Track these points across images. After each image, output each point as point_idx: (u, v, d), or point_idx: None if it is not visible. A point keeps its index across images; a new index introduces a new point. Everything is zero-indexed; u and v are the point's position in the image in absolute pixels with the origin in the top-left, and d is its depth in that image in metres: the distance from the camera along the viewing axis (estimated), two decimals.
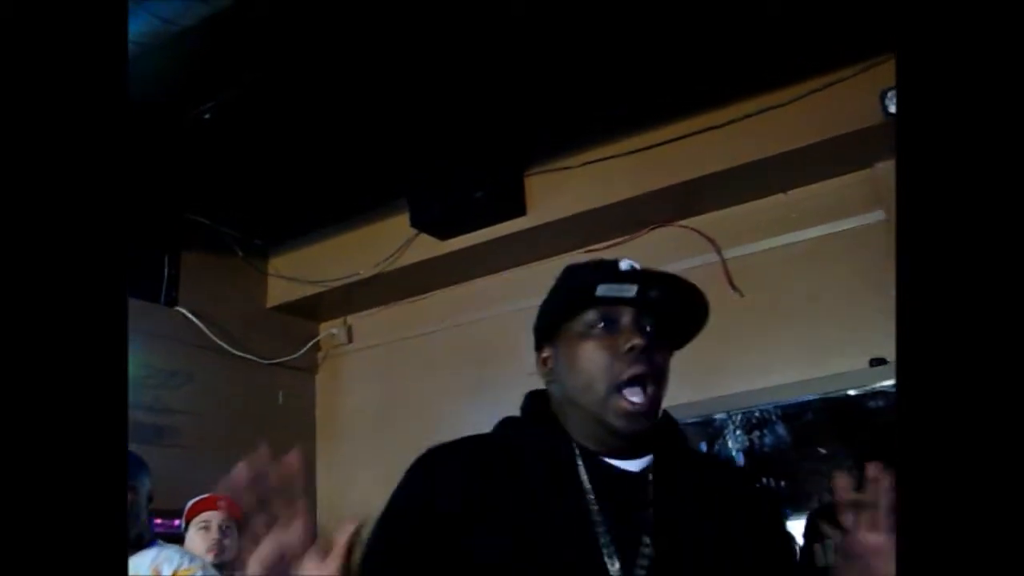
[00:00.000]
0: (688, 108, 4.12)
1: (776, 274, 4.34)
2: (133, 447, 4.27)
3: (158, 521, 4.04)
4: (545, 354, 1.48)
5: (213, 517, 3.21)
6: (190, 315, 4.81)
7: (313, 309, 5.49)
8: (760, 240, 4.41)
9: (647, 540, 1.32)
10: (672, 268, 4.43)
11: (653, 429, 1.40)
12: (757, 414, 4.58)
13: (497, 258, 4.86)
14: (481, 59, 3.61)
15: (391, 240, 4.86)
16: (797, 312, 4.23)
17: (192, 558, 2.70)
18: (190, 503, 3.31)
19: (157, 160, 4.10)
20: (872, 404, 4.08)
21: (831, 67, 3.83)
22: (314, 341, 5.60)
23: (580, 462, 1.39)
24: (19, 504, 0.98)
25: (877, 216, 4.13)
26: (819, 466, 4.31)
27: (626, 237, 4.69)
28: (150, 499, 2.82)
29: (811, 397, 4.23)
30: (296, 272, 5.26)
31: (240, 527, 3.25)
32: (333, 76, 3.64)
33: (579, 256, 4.83)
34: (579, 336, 1.39)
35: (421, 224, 4.66)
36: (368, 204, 4.92)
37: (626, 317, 1.38)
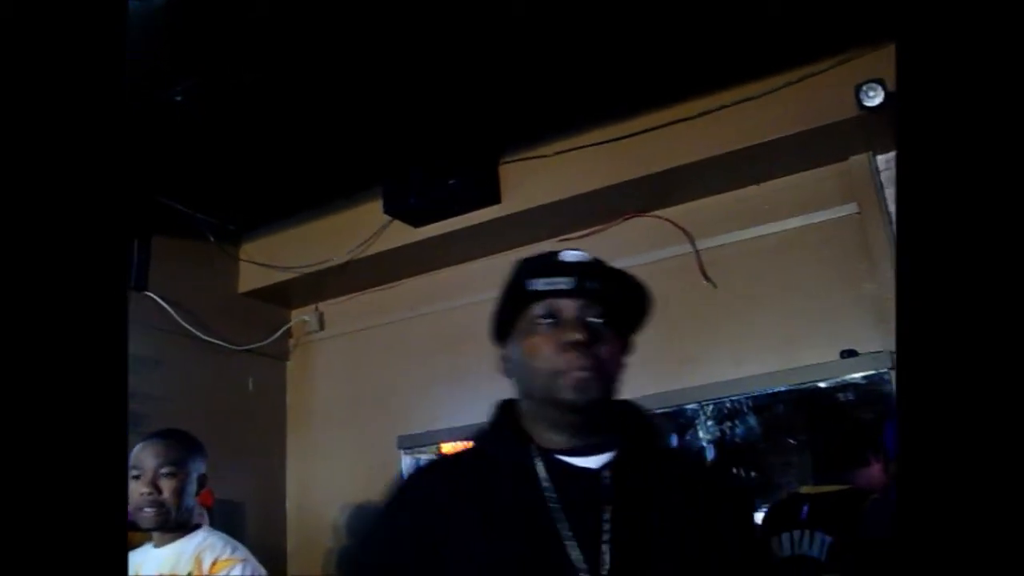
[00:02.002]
0: (663, 98, 4.12)
1: (749, 266, 4.35)
2: None
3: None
4: (504, 352, 1.49)
5: None
6: (160, 300, 4.76)
7: (285, 295, 5.45)
8: (733, 231, 4.42)
9: (607, 537, 1.33)
10: (646, 259, 4.50)
11: (615, 424, 1.43)
12: (728, 405, 4.60)
13: (471, 246, 4.84)
14: (457, 47, 3.59)
15: (364, 227, 4.83)
16: (769, 304, 4.25)
17: (236, 547, 2.64)
18: None
19: (128, 142, 4.04)
20: (842, 396, 4.10)
21: (807, 60, 3.83)
22: (285, 328, 5.56)
23: (539, 463, 1.41)
24: (17, 494, 0.98)
25: (850, 209, 4.15)
26: (789, 458, 4.33)
27: (600, 227, 4.69)
28: (201, 484, 2.79)
29: (782, 388, 4.24)
30: (268, 258, 5.22)
31: (211, 514, 3.22)
32: (308, 61, 3.60)
33: (553, 245, 4.83)
34: (526, 332, 1.42)
35: (395, 211, 4.64)
36: (342, 191, 4.89)
37: (570, 310, 1.39)
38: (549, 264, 1.44)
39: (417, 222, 4.70)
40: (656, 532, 1.35)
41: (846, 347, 3.94)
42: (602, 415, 1.41)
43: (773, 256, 4.30)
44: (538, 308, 1.41)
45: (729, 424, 4.73)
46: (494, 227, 4.63)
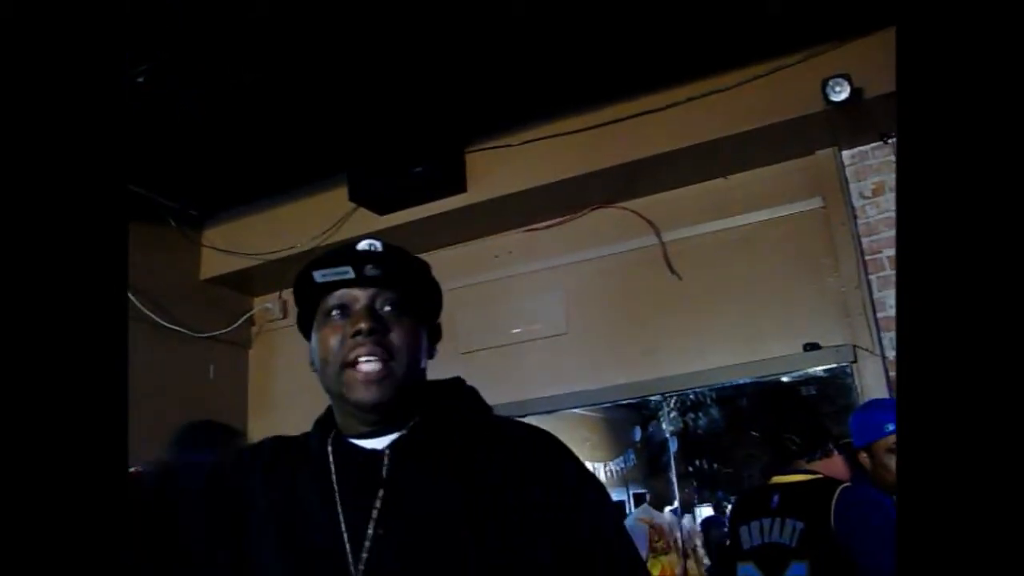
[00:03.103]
0: (631, 89, 4.11)
1: (714, 258, 4.36)
2: None
3: None
4: (311, 344, 1.45)
5: None
6: None
7: (247, 283, 5.40)
8: (699, 224, 4.43)
9: (373, 520, 1.31)
10: (612, 250, 4.50)
11: (413, 401, 1.38)
12: (692, 396, 4.61)
13: (436, 235, 4.82)
14: (424, 35, 3.56)
15: (329, 214, 4.79)
16: (734, 296, 4.26)
17: None
18: None
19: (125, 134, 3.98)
20: (805, 389, 4.12)
21: (775, 54, 3.84)
22: (248, 315, 5.51)
23: (330, 448, 1.40)
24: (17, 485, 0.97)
25: (815, 203, 4.17)
26: (752, 449, 4.36)
27: (566, 217, 4.69)
28: None
29: (745, 381, 4.26)
30: (231, 244, 5.16)
31: None
32: (273, 46, 3.56)
33: (520, 235, 4.82)
34: (320, 324, 1.39)
35: (360, 198, 4.61)
36: (306, 177, 4.85)
37: (360, 301, 1.37)
38: (335, 254, 1.39)
39: (382, 210, 4.67)
40: (427, 517, 1.30)
41: (809, 340, 3.97)
42: (399, 404, 1.36)
43: (738, 249, 4.31)
44: (330, 300, 1.38)
45: (692, 415, 4.75)
46: (460, 216, 4.61)
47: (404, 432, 1.37)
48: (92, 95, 1.10)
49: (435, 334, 1.48)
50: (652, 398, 4.58)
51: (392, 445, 1.36)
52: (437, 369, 1.50)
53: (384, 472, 1.34)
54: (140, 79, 3.64)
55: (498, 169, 4.46)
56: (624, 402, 4.47)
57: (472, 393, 1.49)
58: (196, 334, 5.09)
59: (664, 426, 4.74)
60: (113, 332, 1.07)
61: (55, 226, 1.05)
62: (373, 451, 1.36)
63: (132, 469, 3.18)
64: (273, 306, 5.48)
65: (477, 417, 1.44)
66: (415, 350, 1.38)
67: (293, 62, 3.69)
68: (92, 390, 1.03)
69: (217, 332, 5.26)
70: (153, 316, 4.82)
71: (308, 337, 1.45)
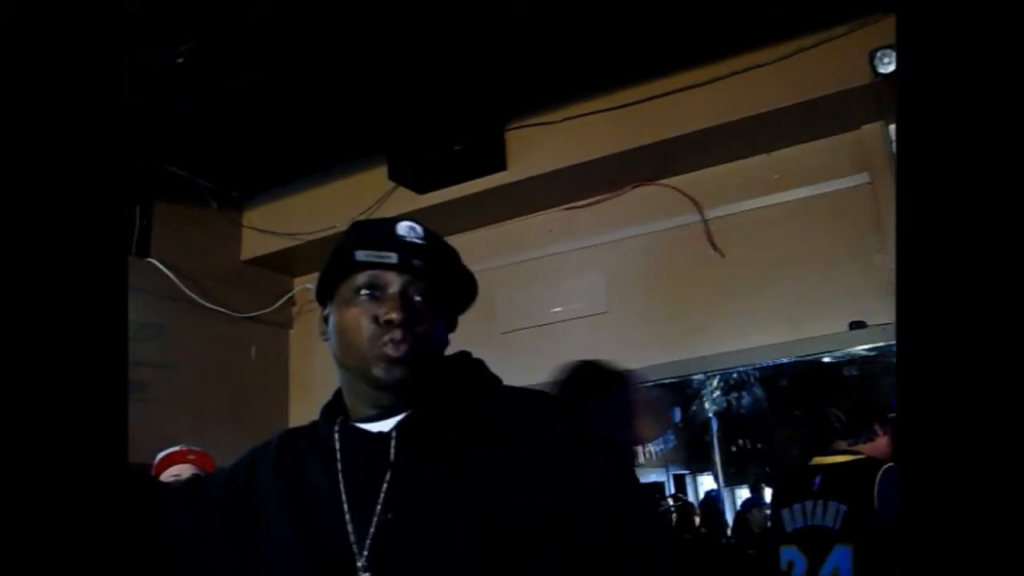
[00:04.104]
0: (673, 64, 4.06)
1: (758, 235, 4.30)
2: None
3: None
4: (325, 312, 1.46)
5: (183, 470, 3.16)
6: (162, 267, 4.72)
7: (288, 263, 5.41)
8: (742, 201, 4.37)
9: (380, 503, 1.30)
10: (653, 228, 4.45)
11: (424, 383, 1.36)
12: (735, 376, 4.57)
13: (476, 213, 4.80)
14: (464, 12, 3.53)
15: (369, 193, 4.78)
16: (778, 274, 4.20)
17: None
18: (160, 456, 3.26)
19: (129, 106, 4.00)
20: (850, 368, 4.06)
21: (820, 25, 3.76)
22: (288, 296, 5.53)
23: (337, 433, 1.40)
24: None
25: (862, 179, 4.09)
26: (796, 430, 4.31)
27: (607, 195, 4.65)
28: None
29: (789, 360, 4.21)
30: (271, 225, 5.17)
31: None
32: (313, 25, 3.55)
33: (560, 213, 4.79)
34: (347, 300, 1.38)
35: (399, 177, 4.59)
36: (346, 156, 4.84)
37: (394, 285, 1.35)
38: (379, 235, 1.38)
39: (422, 189, 4.65)
40: (435, 497, 1.29)
41: (855, 319, 3.90)
42: (414, 385, 1.35)
43: (783, 226, 4.25)
44: (361, 278, 1.36)
45: (735, 395, 4.71)
46: (499, 194, 4.58)
47: (410, 413, 1.36)
48: (91, 93, 1.08)
49: (452, 324, 1.47)
50: (694, 377, 4.54)
51: (399, 426, 1.35)
52: (476, 349, 1.48)
53: (391, 454, 1.33)
54: (180, 59, 3.64)
55: (538, 147, 4.42)
56: (666, 381, 4.43)
57: (478, 367, 1.48)
58: (237, 314, 5.11)
59: (707, 405, 4.70)
60: (113, 331, 1.06)
61: (54, 223, 1.03)
62: (380, 433, 1.36)
63: (178, 448, 3.21)
64: (314, 286, 5.49)
65: (483, 392, 1.42)
66: (436, 343, 1.38)
67: (335, 41, 3.67)
68: (92, 389, 1.02)
69: (258, 312, 5.28)
70: (195, 297, 4.85)
71: (323, 302, 1.46)
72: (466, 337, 1.52)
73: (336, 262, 1.41)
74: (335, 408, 1.46)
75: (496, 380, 1.46)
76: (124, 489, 1.06)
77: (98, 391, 1.03)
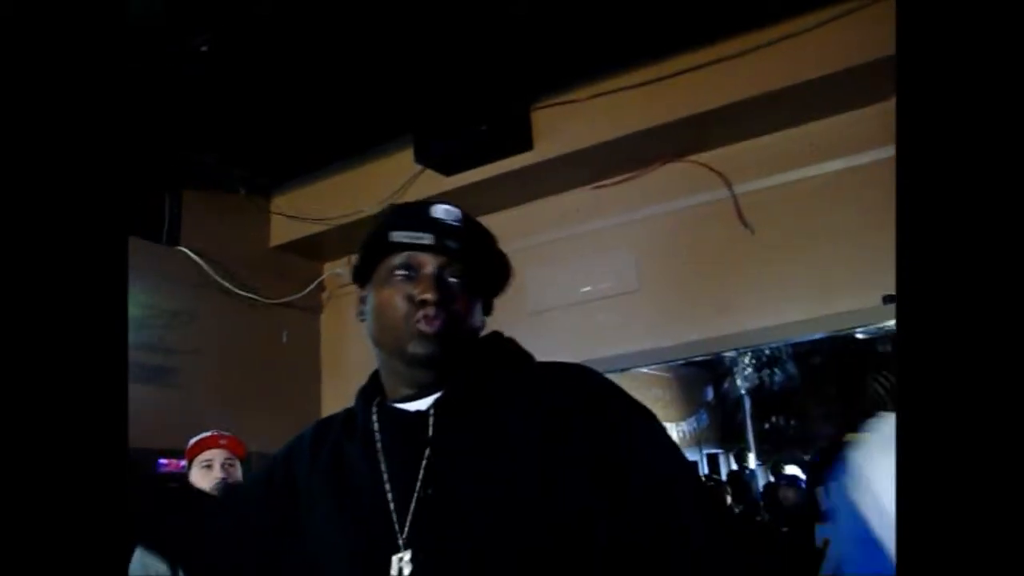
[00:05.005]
0: (700, 39, 4.01)
1: (788, 210, 4.25)
2: (136, 387, 4.27)
3: (163, 461, 4.04)
4: (362, 293, 1.48)
5: (215, 455, 3.18)
6: (192, 254, 4.75)
7: (317, 248, 5.42)
8: (772, 175, 4.32)
9: (420, 479, 1.31)
10: (682, 204, 4.42)
11: (460, 362, 1.37)
12: (767, 353, 4.55)
13: (503, 194, 4.78)
14: None
15: (395, 177, 4.78)
16: (810, 249, 4.15)
17: None
18: (192, 442, 3.29)
19: (157, 95, 4.01)
20: (884, 343, 4.03)
21: None
22: (318, 281, 5.54)
23: (375, 414, 1.42)
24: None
25: (893, 151, 4.03)
26: (829, 406, 4.28)
27: (635, 172, 4.61)
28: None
29: (822, 336, 4.17)
30: (299, 211, 5.19)
31: (245, 466, 3.24)
32: (338, 10, 3.54)
33: (588, 192, 4.76)
34: (383, 281, 1.40)
35: (426, 160, 4.59)
36: (372, 141, 4.84)
37: (429, 266, 1.37)
38: (415, 216, 1.40)
39: (448, 170, 4.64)
40: (475, 474, 1.30)
41: (888, 293, 3.86)
42: (450, 362, 1.36)
43: (813, 200, 4.20)
44: (397, 259, 1.38)
45: (767, 372, 4.69)
46: (526, 174, 4.56)
47: (446, 390, 1.37)
48: (89, 91, 1.07)
49: (488, 307, 1.48)
50: (726, 355, 4.52)
51: (436, 404, 1.36)
52: (507, 329, 1.48)
53: (430, 432, 1.34)
54: (205, 47, 3.64)
55: (565, 125, 4.39)
56: (698, 359, 4.41)
57: (510, 344, 1.49)
58: (268, 301, 5.14)
59: (739, 383, 4.68)
60: (112, 329, 1.05)
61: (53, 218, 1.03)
62: (417, 412, 1.37)
63: (210, 433, 3.23)
64: (343, 271, 5.50)
65: (516, 367, 1.42)
66: (471, 324, 1.40)
67: (359, 25, 3.66)
68: (91, 389, 1.02)
69: (288, 298, 5.30)
70: (225, 283, 4.87)
71: (362, 284, 1.47)
72: (496, 317, 1.52)
73: (373, 243, 1.42)
74: (372, 391, 1.47)
75: (528, 356, 1.47)
76: (123, 487, 1.06)
77: (96, 385, 1.03)
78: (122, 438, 1.08)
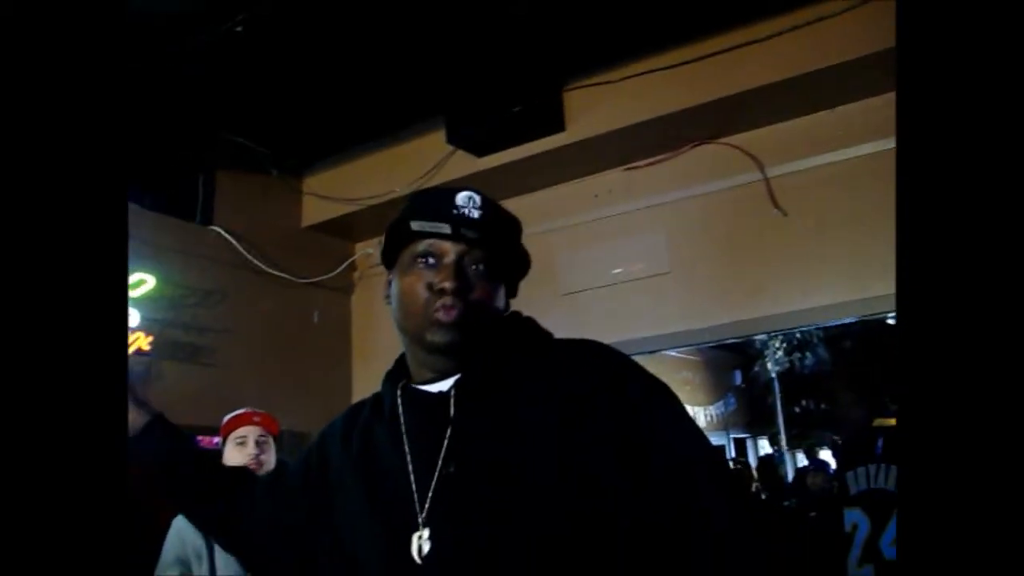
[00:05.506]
0: (733, 20, 3.99)
1: (820, 193, 4.23)
2: (170, 365, 4.33)
3: (197, 438, 4.09)
4: (388, 277, 1.50)
5: (249, 432, 3.22)
6: (225, 234, 4.80)
7: (348, 228, 5.45)
8: (805, 158, 4.30)
9: (442, 458, 1.33)
10: (714, 187, 4.40)
11: (474, 346, 1.38)
12: (798, 336, 4.53)
13: (535, 175, 4.78)
14: None
15: (427, 158, 4.79)
16: (842, 232, 4.13)
17: None
18: (226, 419, 3.32)
19: (190, 76, 4.04)
20: None
21: None
22: (349, 261, 5.57)
23: (400, 397, 1.44)
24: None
25: None
26: (860, 391, 4.26)
27: (667, 155, 4.60)
28: None
29: (853, 319, 4.15)
30: (331, 191, 5.22)
31: (278, 442, 3.27)
32: None
33: (619, 174, 4.75)
34: (406, 267, 1.42)
35: (458, 141, 4.59)
36: (404, 122, 4.86)
37: (450, 254, 1.38)
38: (437, 205, 1.40)
39: (480, 152, 4.65)
40: (496, 453, 1.31)
41: None
42: (470, 347, 1.38)
43: (846, 183, 4.17)
44: (419, 246, 1.40)
45: (798, 355, 4.67)
46: (558, 155, 4.56)
47: (467, 371, 1.38)
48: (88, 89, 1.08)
49: (512, 292, 1.49)
50: (757, 337, 4.50)
51: (457, 384, 1.37)
52: (538, 311, 1.49)
53: (451, 411, 1.36)
54: (239, 28, 3.66)
55: (597, 107, 4.38)
56: (728, 342, 4.41)
57: (528, 324, 1.49)
58: (299, 280, 5.18)
59: (770, 366, 4.66)
60: (112, 328, 1.06)
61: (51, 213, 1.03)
62: (440, 393, 1.38)
63: (244, 411, 3.26)
64: (374, 251, 5.53)
65: (533, 350, 1.43)
66: (493, 308, 1.41)
67: (390, 5, 3.67)
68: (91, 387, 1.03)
69: (320, 278, 5.34)
70: (258, 263, 4.92)
71: (388, 267, 1.50)
72: (527, 298, 1.52)
73: (396, 230, 1.44)
74: (397, 374, 1.50)
75: (548, 335, 1.48)
76: (123, 486, 1.07)
77: (95, 379, 1.03)
78: (122, 436, 1.08)
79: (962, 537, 0.88)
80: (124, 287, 1.16)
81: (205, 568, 2.99)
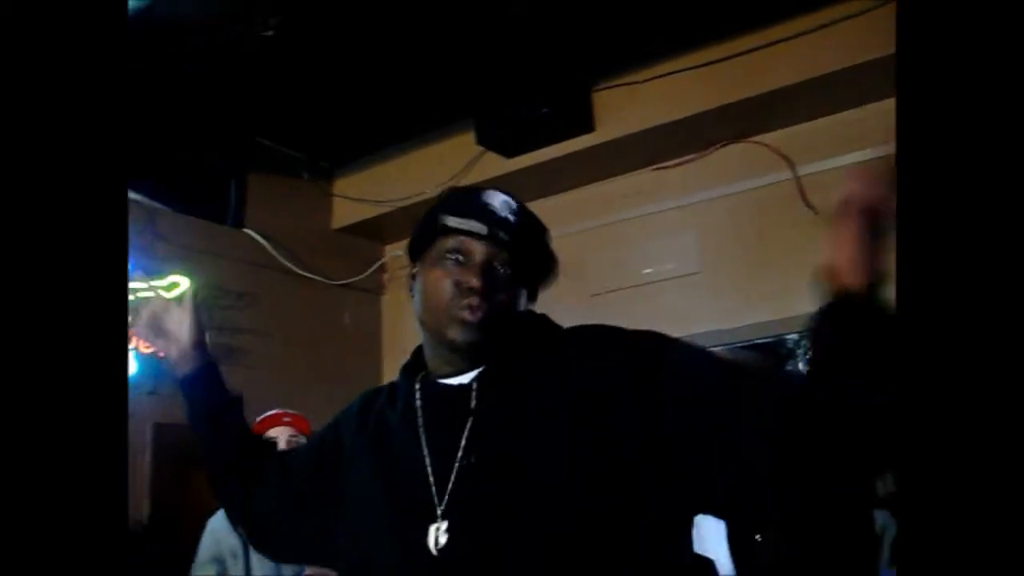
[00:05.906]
0: (761, 19, 3.98)
1: None
2: None
3: None
4: (413, 271, 1.50)
5: (281, 432, 3.24)
6: (257, 236, 4.83)
7: (378, 230, 5.47)
8: (835, 156, 4.26)
9: (462, 448, 1.34)
10: (744, 186, 4.38)
11: (495, 346, 1.39)
12: None
13: (564, 175, 4.79)
14: None
15: (457, 159, 4.80)
16: None
17: None
18: (258, 419, 3.35)
19: (222, 80, 4.08)
20: None
21: None
22: (380, 263, 5.60)
23: (418, 389, 1.45)
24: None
25: None
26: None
27: (696, 154, 4.59)
28: None
29: None
30: (361, 193, 5.24)
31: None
32: None
33: (648, 174, 4.74)
34: (433, 262, 1.42)
35: (487, 142, 4.60)
36: (433, 123, 4.87)
37: (479, 254, 1.39)
38: (472, 205, 1.42)
39: (509, 152, 4.65)
40: (517, 444, 1.32)
41: None
42: (489, 345, 1.38)
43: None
44: (450, 242, 1.40)
45: None
46: (588, 156, 4.56)
47: (489, 365, 1.40)
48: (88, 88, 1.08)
49: (534, 295, 1.50)
50: (788, 337, 4.47)
51: (479, 377, 1.38)
52: (567, 311, 1.50)
53: (472, 403, 1.37)
54: (270, 32, 3.69)
55: (626, 107, 4.38)
56: (759, 341, 4.37)
57: (543, 319, 1.50)
58: (330, 282, 5.21)
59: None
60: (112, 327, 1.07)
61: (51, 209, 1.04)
62: (461, 385, 1.39)
63: (275, 412, 3.28)
64: (404, 253, 5.55)
65: (548, 342, 1.43)
66: (516, 309, 1.42)
67: (420, 8, 3.68)
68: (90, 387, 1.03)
69: (351, 280, 5.36)
70: (289, 265, 4.95)
71: (414, 260, 1.50)
72: (556, 299, 1.53)
73: (428, 224, 1.44)
74: (414, 366, 1.51)
75: (559, 329, 1.49)
76: (123, 486, 1.08)
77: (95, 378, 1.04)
78: (121, 434, 1.08)
79: (962, 537, 0.88)
80: (124, 287, 1.16)
81: (240, 567, 3.02)
